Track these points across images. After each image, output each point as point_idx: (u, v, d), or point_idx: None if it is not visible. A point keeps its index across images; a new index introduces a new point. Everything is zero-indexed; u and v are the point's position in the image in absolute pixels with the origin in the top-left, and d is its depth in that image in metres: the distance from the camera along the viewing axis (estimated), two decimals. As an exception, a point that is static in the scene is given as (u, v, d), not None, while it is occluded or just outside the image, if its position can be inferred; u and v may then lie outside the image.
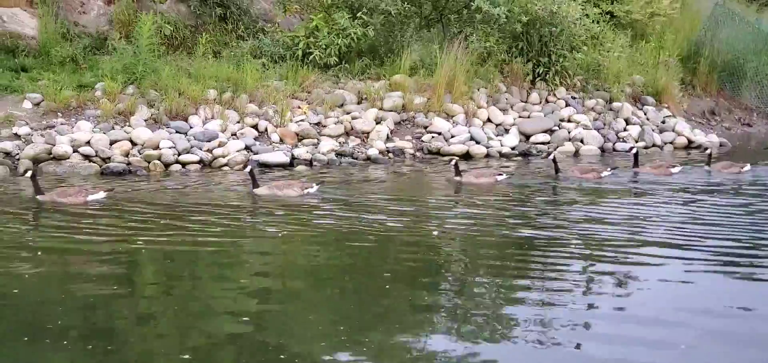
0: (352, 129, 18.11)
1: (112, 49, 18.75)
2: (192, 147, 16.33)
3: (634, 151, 16.98)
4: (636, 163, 16.35)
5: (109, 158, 15.67)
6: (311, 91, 19.14)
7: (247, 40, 20.63)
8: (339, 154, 17.07)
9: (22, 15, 19.57)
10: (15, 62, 18.55)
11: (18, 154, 15.48)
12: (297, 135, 17.52)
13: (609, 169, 15.58)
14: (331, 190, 13.97)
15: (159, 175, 15.48)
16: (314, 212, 12.16)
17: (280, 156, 16.48)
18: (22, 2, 19.90)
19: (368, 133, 18.08)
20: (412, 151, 17.96)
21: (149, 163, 15.78)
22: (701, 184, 15.10)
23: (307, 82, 19.28)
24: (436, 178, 15.78)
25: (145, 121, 16.90)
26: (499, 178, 14.70)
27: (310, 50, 19.76)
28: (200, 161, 16.08)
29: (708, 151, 17.54)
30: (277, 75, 19.27)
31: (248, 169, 13.75)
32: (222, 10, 21.01)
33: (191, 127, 17.01)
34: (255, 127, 17.55)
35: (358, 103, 19.06)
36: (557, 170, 15.43)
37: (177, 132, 16.70)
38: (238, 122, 17.58)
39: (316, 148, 17.21)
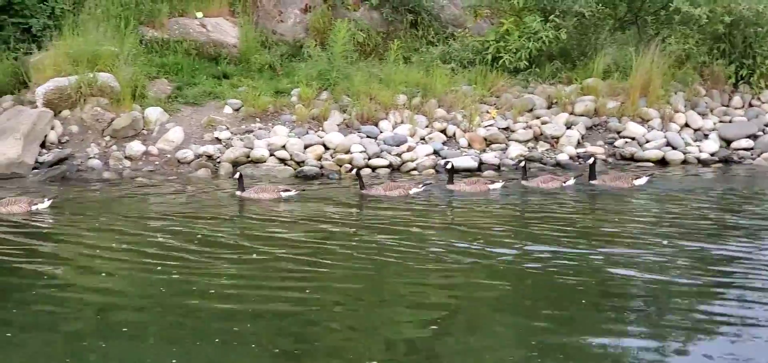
0: (541, 134, 17.82)
1: (307, 56, 19.35)
2: (382, 151, 16.60)
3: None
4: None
5: (303, 162, 16.15)
6: (500, 95, 18.98)
7: (436, 45, 20.75)
8: (528, 160, 16.82)
9: (224, 24, 20.54)
10: (217, 69, 19.51)
11: (219, 157, 16.23)
12: (485, 140, 17.43)
13: (421, 185, 14.46)
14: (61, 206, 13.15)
15: (350, 180, 15.80)
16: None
17: (468, 160, 16.45)
18: (225, 12, 20.90)
19: (558, 138, 17.73)
20: (604, 157, 17.46)
21: (341, 166, 16.15)
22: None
23: (496, 86, 19.12)
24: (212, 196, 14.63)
25: (338, 125, 17.31)
26: (284, 194, 13.82)
27: (500, 54, 19.59)
28: (389, 165, 16.30)
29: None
30: (466, 80, 19.24)
31: None
32: (413, 16, 21.28)
33: (381, 132, 17.28)
34: (443, 131, 17.60)
35: (548, 107, 18.72)
36: (362, 186, 14.26)
37: (368, 136, 17.02)
38: (427, 127, 17.69)
39: (504, 153, 17.06)
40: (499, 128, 17.78)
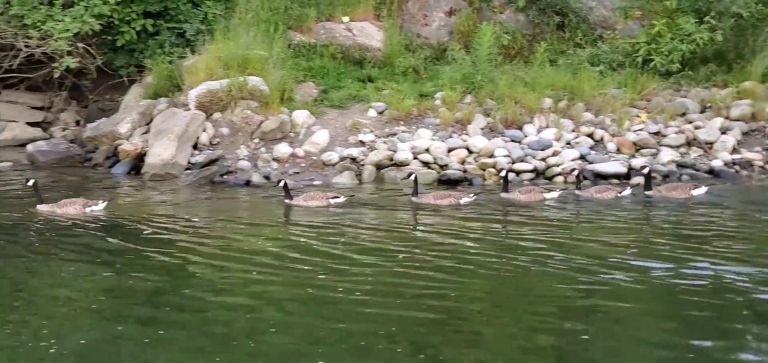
0: (694, 139, 17.15)
1: (451, 59, 19.28)
2: (526, 156, 16.35)
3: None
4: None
5: (446, 165, 16.08)
6: (651, 99, 18.40)
7: (584, 47, 20.31)
8: (679, 166, 16.23)
9: (370, 28, 20.71)
10: (362, 73, 19.70)
11: (363, 160, 16.34)
12: (634, 144, 16.92)
13: (472, 195, 13.95)
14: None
15: (494, 184, 15.61)
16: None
17: (616, 166, 16.01)
18: (370, 16, 21.07)
19: (712, 143, 17.02)
20: (761, 164, 16.63)
21: (484, 170, 15.99)
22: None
23: (647, 89, 18.56)
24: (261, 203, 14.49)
25: (482, 129, 17.16)
26: (333, 201, 13.55)
27: (651, 57, 18.99)
28: (534, 170, 16.04)
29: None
30: (615, 83, 18.75)
31: (31, 182, 13.16)
32: (560, 18, 20.90)
33: (526, 136, 17.03)
34: (590, 136, 17.19)
35: (702, 111, 18.02)
36: (417, 191, 13.88)
37: (512, 140, 16.79)
38: (573, 131, 17.31)
39: (654, 158, 16.50)
40: (649, 133, 17.24)
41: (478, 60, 18.47)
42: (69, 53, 19.54)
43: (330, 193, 13.99)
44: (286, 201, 13.70)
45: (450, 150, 16.50)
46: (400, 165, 16.17)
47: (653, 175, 15.43)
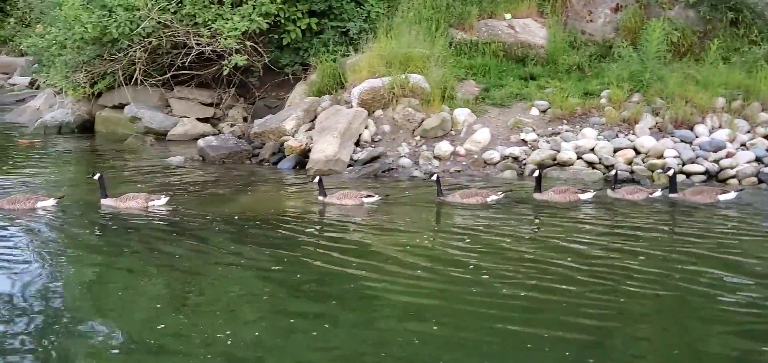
0: None
1: (618, 57, 18.71)
2: (697, 157, 15.69)
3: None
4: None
5: (612, 166, 15.61)
6: (835, 99, 17.28)
7: (760, 45, 19.27)
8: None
9: (532, 25, 20.39)
10: (524, 71, 19.41)
11: (525, 159, 16.10)
12: (817, 147, 15.95)
13: (500, 193, 13.59)
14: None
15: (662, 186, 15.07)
16: None
17: (796, 170, 15.15)
18: (533, 13, 20.75)
19: None
20: None
21: (653, 172, 15.45)
22: None
23: (831, 89, 17.43)
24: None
25: (650, 129, 16.57)
26: (367, 199, 13.28)
27: (834, 54, 17.86)
28: (705, 172, 15.35)
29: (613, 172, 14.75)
30: (795, 82, 17.72)
31: (97, 176, 13.17)
32: (733, 14, 19.89)
33: (697, 137, 16.33)
34: (767, 137, 16.30)
35: None
36: (440, 192, 13.54)
37: (682, 141, 16.15)
38: (748, 132, 16.47)
39: (839, 161, 15.52)
40: (833, 135, 16.21)
41: (647, 57, 17.84)
42: (237, 51, 20.23)
43: (364, 192, 13.74)
44: (319, 197, 13.58)
45: (616, 150, 16.02)
46: (563, 165, 15.83)
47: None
